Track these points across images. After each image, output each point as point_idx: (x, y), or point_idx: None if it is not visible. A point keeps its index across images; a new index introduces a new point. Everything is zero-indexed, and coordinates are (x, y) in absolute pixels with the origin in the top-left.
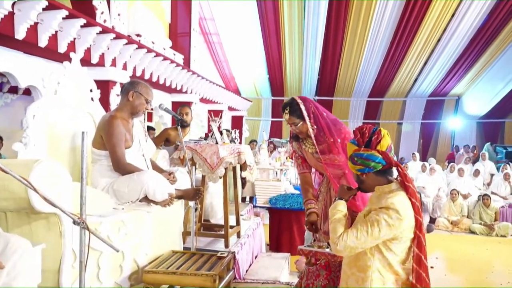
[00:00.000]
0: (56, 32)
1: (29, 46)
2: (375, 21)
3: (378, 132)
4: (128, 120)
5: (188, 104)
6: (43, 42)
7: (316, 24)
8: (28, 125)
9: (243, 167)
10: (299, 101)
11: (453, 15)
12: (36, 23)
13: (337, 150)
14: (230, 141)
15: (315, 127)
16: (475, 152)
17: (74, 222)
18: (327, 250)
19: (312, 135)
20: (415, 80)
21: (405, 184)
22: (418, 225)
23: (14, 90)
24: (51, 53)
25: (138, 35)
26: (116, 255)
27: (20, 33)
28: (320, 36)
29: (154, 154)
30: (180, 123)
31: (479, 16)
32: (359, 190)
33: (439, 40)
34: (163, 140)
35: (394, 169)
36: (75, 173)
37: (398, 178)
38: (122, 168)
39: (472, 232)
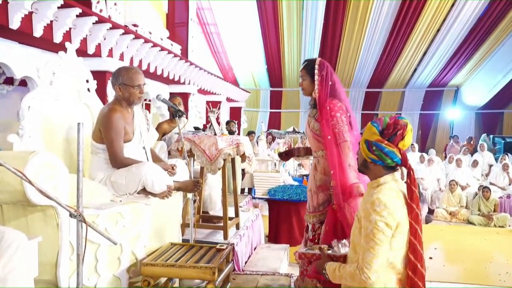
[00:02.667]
0: (51, 21)
1: (24, 36)
2: (374, 12)
3: (404, 126)
4: (128, 109)
5: (177, 94)
6: (38, 32)
7: (315, 14)
8: (23, 116)
9: (242, 158)
10: (318, 61)
11: (452, 5)
12: (30, 13)
13: (322, 119)
14: (229, 132)
15: (318, 88)
16: (471, 142)
17: (71, 215)
18: (329, 251)
19: (316, 94)
20: (414, 70)
21: (411, 188)
22: (413, 231)
23: (10, 81)
24: (46, 43)
25: (135, 25)
26: (114, 247)
27: (15, 23)
28: (318, 27)
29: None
30: (178, 112)
31: (478, 7)
32: (359, 170)
33: (438, 30)
34: (162, 134)
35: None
36: (71, 165)
37: (407, 181)
38: (119, 163)
39: (470, 222)
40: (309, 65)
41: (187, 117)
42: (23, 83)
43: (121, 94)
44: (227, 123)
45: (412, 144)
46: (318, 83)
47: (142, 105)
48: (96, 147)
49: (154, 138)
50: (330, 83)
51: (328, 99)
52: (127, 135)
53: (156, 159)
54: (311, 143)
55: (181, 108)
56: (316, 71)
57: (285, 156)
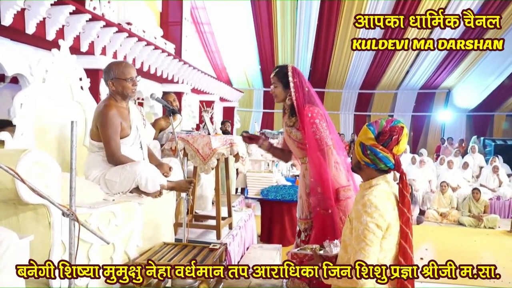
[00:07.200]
0: (44, 19)
1: (16, 33)
2: (368, 13)
3: (399, 130)
4: (123, 104)
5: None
6: (30, 29)
7: (309, 15)
8: (15, 114)
9: (236, 158)
10: (290, 68)
11: (445, 7)
12: (23, 9)
13: (301, 125)
14: (224, 132)
15: (295, 95)
16: (463, 145)
17: (63, 214)
18: (321, 252)
19: (294, 102)
20: (407, 72)
21: (403, 193)
22: (403, 235)
23: (1, 78)
24: (39, 40)
25: (128, 24)
26: (106, 247)
27: (7, 20)
28: (312, 28)
29: None
30: (172, 111)
31: (472, 8)
32: (352, 170)
33: (430, 32)
34: (159, 131)
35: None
36: (64, 163)
37: (399, 185)
38: (116, 160)
39: (460, 224)
40: (280, 72)
41: (180, 113)
42: (15, 80)
43: (114, 89)
44: (223, 123)
45: None
46: (294, 90)
47: (135, 103)
48: (94, 145)
49: (151, 134)
50: (306, 89)
51: (306, 106)
52: (124, 131)
53: (152, 157)
54: (296, 152)
55: (176, 104)
56: (290, 78)
57: (248, 139)
